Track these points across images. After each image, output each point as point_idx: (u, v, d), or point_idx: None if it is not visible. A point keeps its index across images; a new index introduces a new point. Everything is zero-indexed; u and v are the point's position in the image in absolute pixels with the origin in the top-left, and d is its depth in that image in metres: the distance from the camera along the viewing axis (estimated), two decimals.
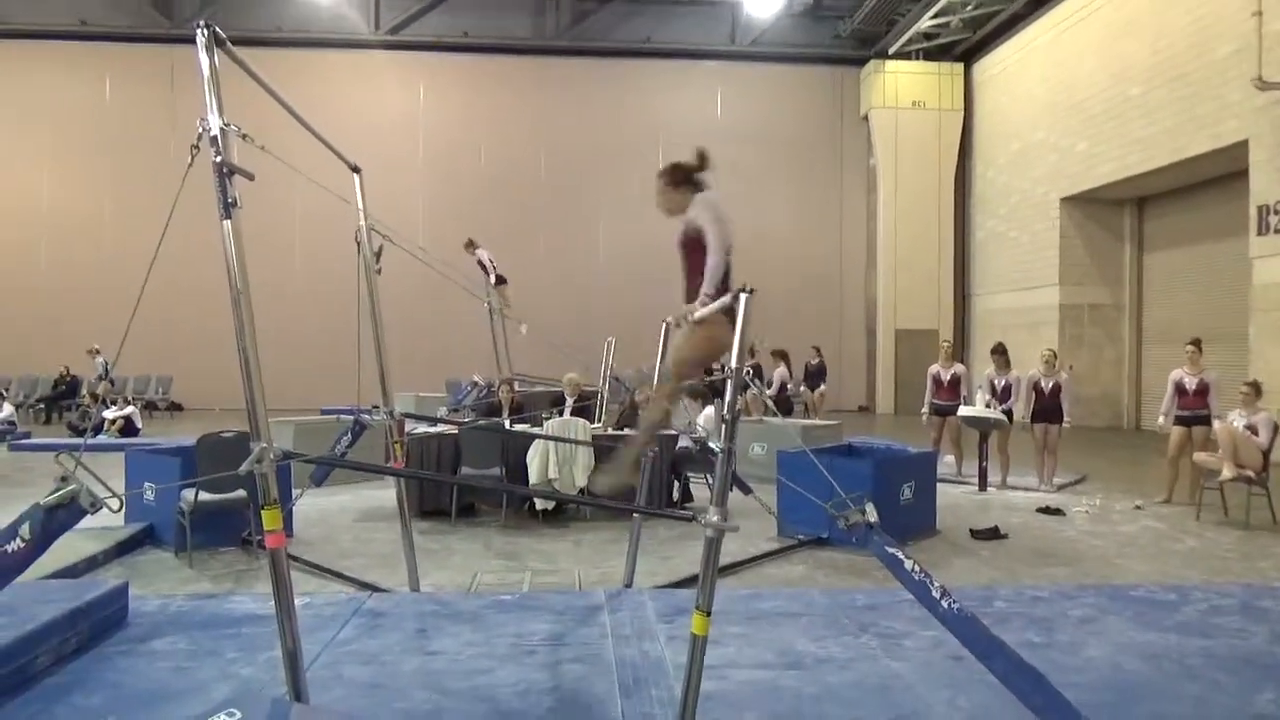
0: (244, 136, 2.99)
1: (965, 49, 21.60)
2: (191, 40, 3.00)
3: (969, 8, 19.28)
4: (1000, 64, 20.73)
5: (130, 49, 20.77)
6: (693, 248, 3.94)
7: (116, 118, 20.81)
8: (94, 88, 20.97)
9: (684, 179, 4.02)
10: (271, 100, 3.64)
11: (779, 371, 13.53)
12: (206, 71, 2.91)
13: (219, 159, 2.82)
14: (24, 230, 20.56)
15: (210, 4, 20.68)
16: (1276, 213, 12.63)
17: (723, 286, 3.72)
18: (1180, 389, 9.04)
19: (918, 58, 21.77)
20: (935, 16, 19.45)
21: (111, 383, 15.08)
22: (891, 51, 21.36)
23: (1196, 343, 9.17)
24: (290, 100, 3.76)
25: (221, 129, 2.85)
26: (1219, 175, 14.94)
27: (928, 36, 20.86)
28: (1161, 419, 9.37)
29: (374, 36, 21.25)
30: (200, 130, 2.86)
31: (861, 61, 22.16)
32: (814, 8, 21.35)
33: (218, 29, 2.96)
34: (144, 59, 20.60)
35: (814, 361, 16.26)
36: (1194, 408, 8.93)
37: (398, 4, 21.33)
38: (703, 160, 4.04)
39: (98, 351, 16.57)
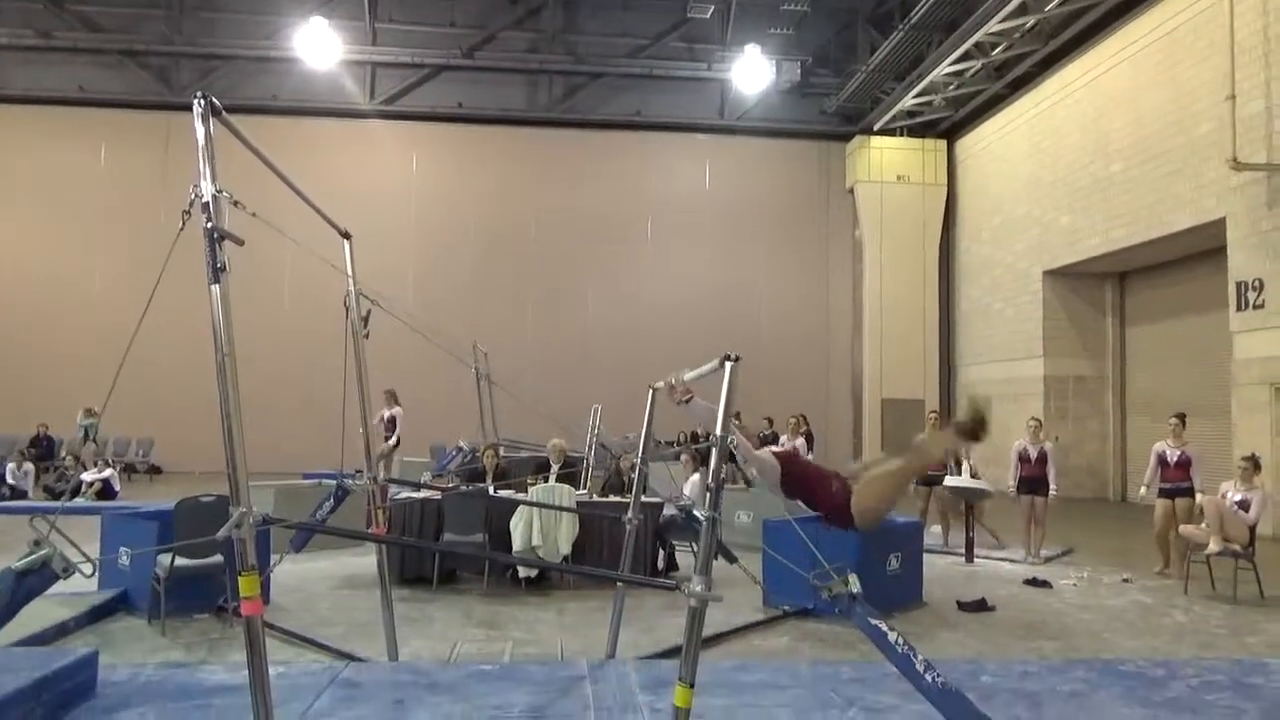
0: (235, 203, 3.03)
1: (948, 126, 22.14)
2: (188, 107, 3.06)
3: (951, 88, 19.81)
4: (982, 141, 21.23)
5: (126, 115, 21.04)
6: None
7: (110, 182, 20.97)
8: (89, 152, 21.17)
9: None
10: (264, 166, 3.69)
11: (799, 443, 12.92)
12: (201, 140, 2.96)
13: (210, 225, 2.85)
14: (10, 289, 20.54)
15: (209, 72, 21.07)
16: (1254, 289, 12.85)
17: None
18: (1163, 461, 9.12)
19: (902, 134, 22.28)
20: (918, 96, 19.97)
21: (95, 444, 14.97)
22: (876, 128, 21.85)
23: (1181, 417, 9.28)
24: (283, 167, 3.81)
25: (214, 195, 2.89)
26: (1199, 251, 15.21)
27: (911, 114, 21.38)
28: (1143, 489, 9.45)
29: (369, 106, 21.63)
30: (192, 196, 2.90)
31: (847, 136, 22.66)
32: (801, 85, 21.90)
33: (214, 99, 3.02)
34: (139, 125, 20.86)
35: (766, 431, 16.07)
36: (1176, 480, 9.00)
37: (393, 75, 21.76)
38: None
39: (92, 412, 16.36)
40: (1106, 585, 8.53)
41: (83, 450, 14.60)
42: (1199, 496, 8.79)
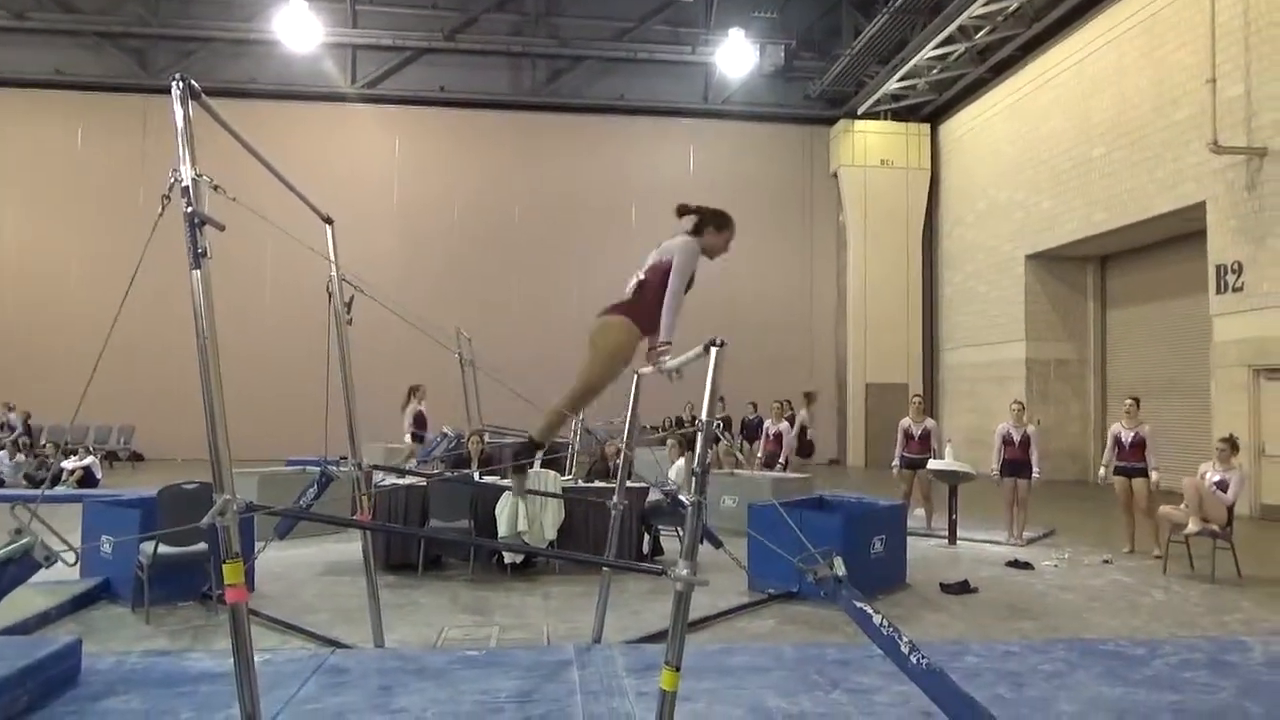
0: (215, 188, 2.99)
1: (932, 110, 22.17)
2: (166, 90, 3.01)
3: (934, 72, 19.83)
4: (966, 125, 21.27)
5: (104, 98, 20.76)
6: (657, 279, 4.13)
7: (88, 166, 20.72)
8: (66, 135, 20.91)
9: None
10: (245, 151, 3.65)
11: (800, 418, 13.31)
12: (180, 123, 2.92)
13: (190, 209, 2.82)
14: None
15: (186, 55, 20.80)
16: (1234, 272, 12.96)
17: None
18: (1118, 442, 9.35)
19: (885, 118, 22.29)
20: (902, 80, 19.98)
21: (28, 435, 15.21)
22: (860, 112, 21.86)
23: (1135, 399, 9.59)
24: (264, 151, 3.77)
25: (193, 180, 2.85)
26: (1179, 234, 15.32)
27: (895, 98, 21.39)
28: (1102, 470, 9.72)
29: (351, 90, 21.42)
30: (172, 180, 2.86)
31: (831, 120, 22.65)
32: (785, 69, 21.85)
33: (193, 81, 2.98)
34: (118, 108, 20.61)
35: (751, 416, 16.14)
36: (1131, 460, 9.25)
37: (375, 58, 21.55)
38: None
39: (10, 408, 16.48)
40: (1087, 566, 8.63)
41: (13, 439, 14.71)
42: (1153, 475, 9.10)
